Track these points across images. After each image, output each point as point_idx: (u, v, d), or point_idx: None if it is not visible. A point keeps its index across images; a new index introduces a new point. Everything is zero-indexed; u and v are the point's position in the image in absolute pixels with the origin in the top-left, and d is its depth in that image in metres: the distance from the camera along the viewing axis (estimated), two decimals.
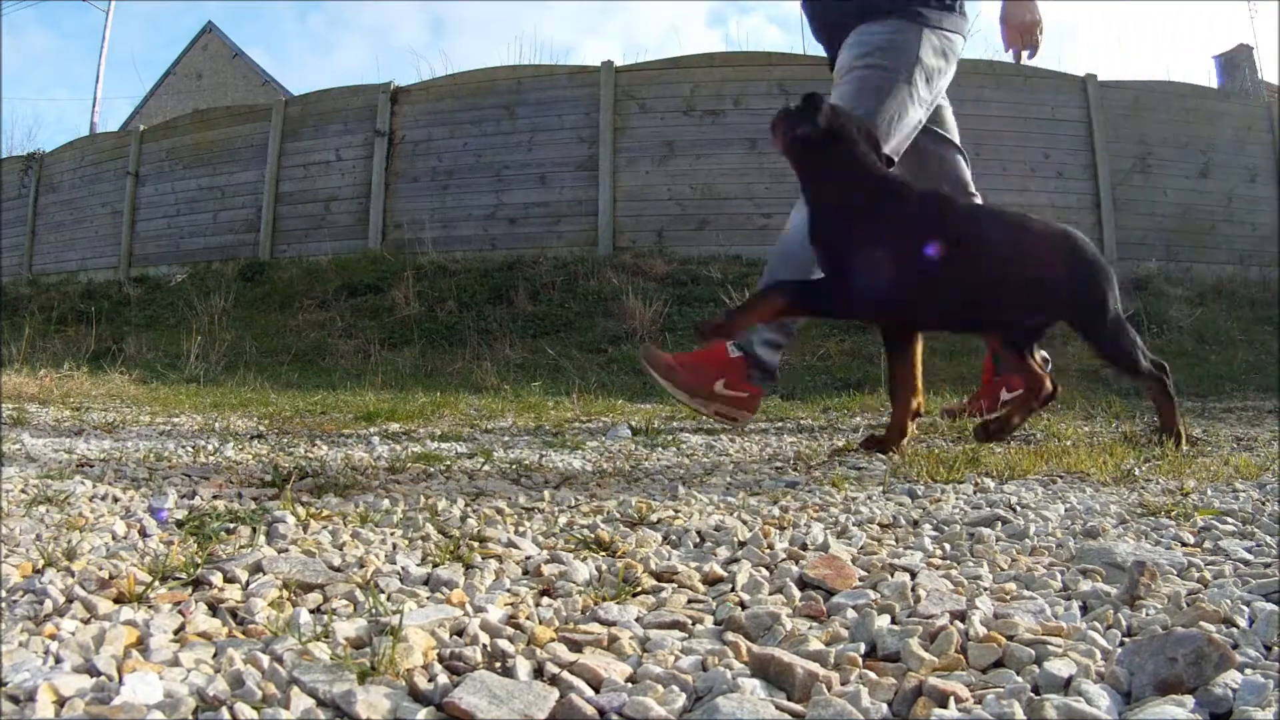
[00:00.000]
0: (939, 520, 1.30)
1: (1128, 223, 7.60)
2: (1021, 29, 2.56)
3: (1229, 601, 0.85)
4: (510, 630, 0.80)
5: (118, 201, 9.35)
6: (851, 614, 0.85)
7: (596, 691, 0.67)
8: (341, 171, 8.30)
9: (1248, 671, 0.67)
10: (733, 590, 0.94)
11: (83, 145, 10.19)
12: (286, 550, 1.06)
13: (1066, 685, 0.67)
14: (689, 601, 0.91)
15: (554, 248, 7.43)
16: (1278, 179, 8.03)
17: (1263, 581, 0.92)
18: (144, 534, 1.15)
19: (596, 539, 1.16)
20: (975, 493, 1.54)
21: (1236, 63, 12.10)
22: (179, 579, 0.92)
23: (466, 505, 1.39)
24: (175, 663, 0.69)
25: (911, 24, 2.48)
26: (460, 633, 0.79)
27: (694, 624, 0.84)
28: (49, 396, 3.41)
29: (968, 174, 2.77)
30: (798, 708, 0.64)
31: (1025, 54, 2.60)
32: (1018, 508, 1.39)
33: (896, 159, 2.45)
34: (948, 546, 1.14)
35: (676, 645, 0.77)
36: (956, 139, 2.78)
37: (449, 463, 1.85)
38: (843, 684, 0.68)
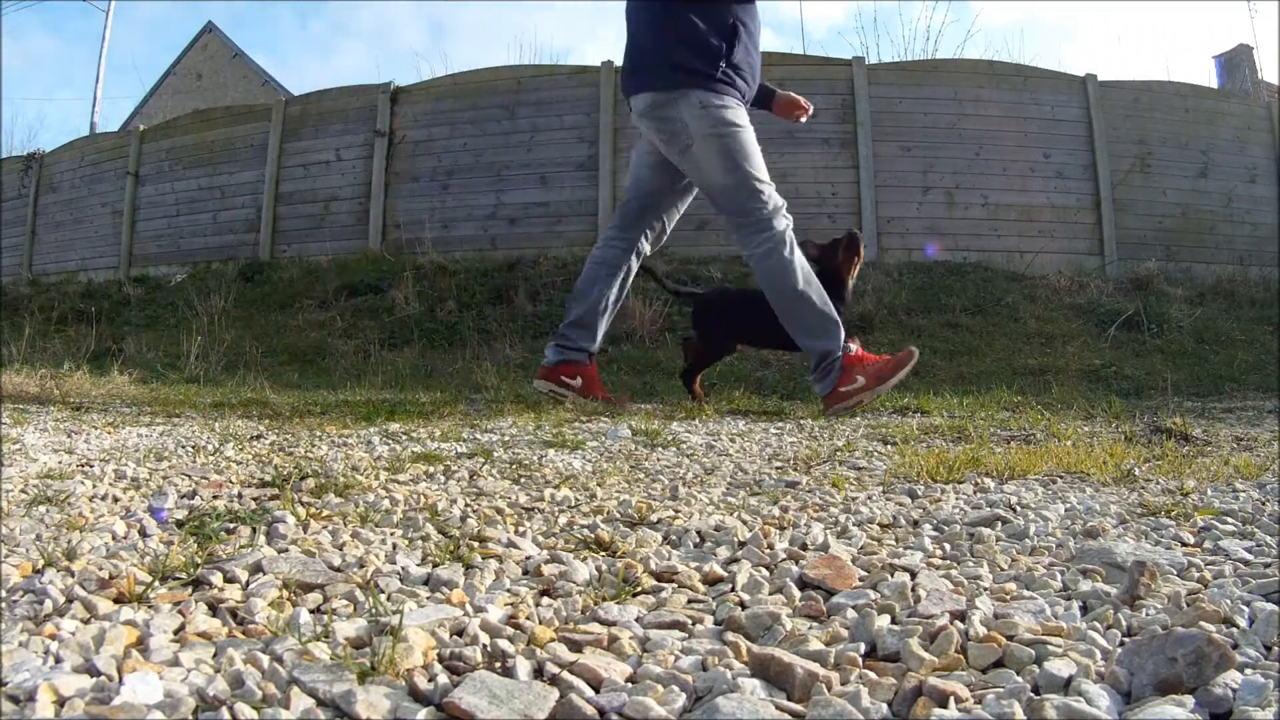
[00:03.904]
0: (939, 520, 1.30)
1: (1128, 223, 7.60)
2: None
3: (1229, 601, 0.84)
4: (510, 630, 0.80)
5: (118, 201, 9.34)
6: (851, 614, 0.85)
7: (596, 691, 0.67)
8: (341, 171, 8.30)
9: (1248, 671, 0.67)
10: (733, 590, 0.94)
11: (82, 145, 10.18)
12: (286, 550, 1.06)
13: (1066, 685, 0.67)
14: (689, 601, 0.91)
15: (554, 248, 7.43)
16: (1278, 179, 8.03)
17: (1263, 581, 0.92)
18: (144, 534, 1.15)
19: (596, 539, 1.15)
20: (975, 493, 1.54)
21: (1236, 63, 12.10)
22: (179, 579, 0.92)
23: (466, 505, 1.39)
24: (175, 663, 0.69)
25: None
26: (460, 633, 0.79)
27: (694, 624, 0.84)
28: (49, 396, 3.41)
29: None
30: (798, 708, 0.64)
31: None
32: (1018, 508, 1.39)
33: None
34: (948, 546, 1.14)
35: (676, 645, 0.77)
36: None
37: (449, 463, 1.85)
38: (843, 684, 0.68)
